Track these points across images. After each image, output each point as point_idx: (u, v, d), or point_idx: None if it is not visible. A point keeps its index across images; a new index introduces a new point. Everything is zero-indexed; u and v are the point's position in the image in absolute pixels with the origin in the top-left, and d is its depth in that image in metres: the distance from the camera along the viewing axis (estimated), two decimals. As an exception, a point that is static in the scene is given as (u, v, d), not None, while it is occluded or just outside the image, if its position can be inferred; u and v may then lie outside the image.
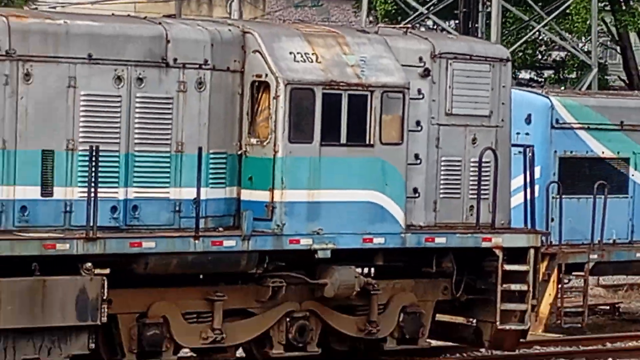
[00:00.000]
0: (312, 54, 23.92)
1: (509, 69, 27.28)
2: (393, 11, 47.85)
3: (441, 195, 25.58)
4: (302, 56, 23.77)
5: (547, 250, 29.66)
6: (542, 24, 47.21)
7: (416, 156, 24.98)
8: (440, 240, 25.18)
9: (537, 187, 30.24)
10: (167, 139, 23.14)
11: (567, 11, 49.34)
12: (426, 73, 25.22)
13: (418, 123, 25.09)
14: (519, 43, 47.23)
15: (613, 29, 58.60)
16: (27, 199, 21.88)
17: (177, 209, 23.44)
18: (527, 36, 48.39)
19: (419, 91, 25.04)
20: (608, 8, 57.51)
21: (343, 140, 23.98)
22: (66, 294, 21.41)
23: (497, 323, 25.56)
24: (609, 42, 62.38)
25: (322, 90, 23.64)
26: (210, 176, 23.20)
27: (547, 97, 32.58)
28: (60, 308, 21.37)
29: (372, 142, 24.15)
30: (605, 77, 55.54)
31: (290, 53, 23.72)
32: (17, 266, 21.29)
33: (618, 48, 60.69)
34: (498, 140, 26.28)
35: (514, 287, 25.57)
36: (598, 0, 51.37)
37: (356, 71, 24.07)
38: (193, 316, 23.52)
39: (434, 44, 26.18)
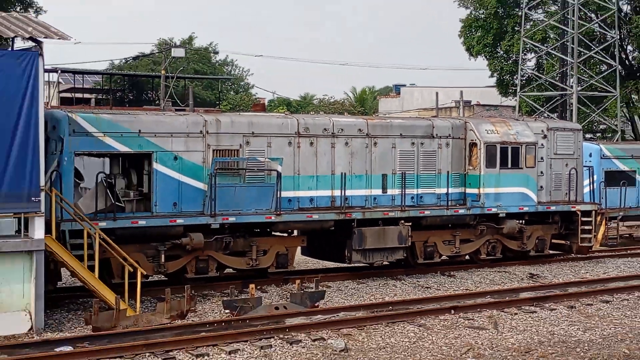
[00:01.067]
0: (495, 130, 24.07)
1: (581, 133, 27.22)
2: (530, 110, 47.04)
3: (553, 189, 25.55)
4: (490, 131, 23.94)
5: (600, 211, 29.27)
6: (595, 114, 45.70)
7: (541, 172, 25.03)
8: (553, 208, 25.37)
9: (595, 185, 29.94)
10: (433, 168, 23.45)
11: (606, 107, 47.73)
12: (545, 137, 25.34)
13: (542, 158, 25.04)
14: (585, 122, 45.81)
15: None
16: (376, 195, 22.42)
17: (438, 197, 23.42)
18: (588, 119, 46.75)
19: (542, 145, 25.07)
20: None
21: (509, 166, 23.93)
22: (394, 234, 21.97)
23: (579, 243, 25.48)
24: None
25: (500, 146, 23.74)
26: (452, 183, 23.37)
27: (599, 145, 32.25)
28: (391, 239, 21.95)
29: (521, 167, 24.19)
30: (624, 136, 52.96)
31: (485, 130, 23.93)
32: (372, 223, 21.99)
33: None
34: (577, 164, 26.16)
35: (585, 227, 25.46)
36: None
37: (514, 137, 24.19)
38: (446, 242, 23.63)
39: (548, 124, 26.35)
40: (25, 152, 15.85)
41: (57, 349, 14.44)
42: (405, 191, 22.54)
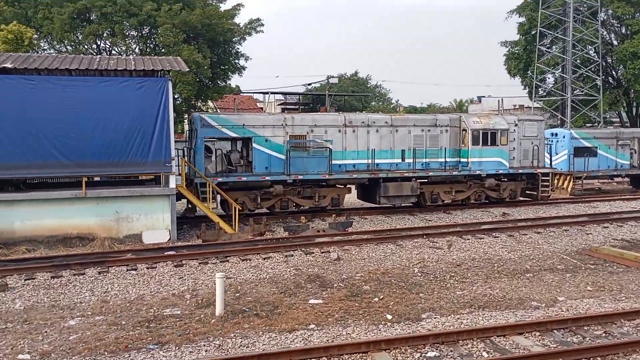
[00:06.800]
0: (479, 121, 21.18)
1: (543, 123, 23.00)
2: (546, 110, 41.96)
3: (522, 158, 21.98)
4: (476, 122, 21.09)
5: (567, 173, 25.82)
6: (584, 110, 40.42)
7: (513, 148, 21.70)
8: (521, 171, 21.99)
9: (567, 156, 26.38)
10: (437, 145, 20.78)
11: (596, 105, 41.70)
12: (516, 125, 21.90)
13: (514, 139, 21.71)
14: (577, 115, 40.66)
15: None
16: (397, 162, 20.40)
17: (441, 164, 20.66)
18: (580, 113, 41.55)
19: (514, 130, 21.77)
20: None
21: (489, 144, 20.92)
22: (408, 186, 20.04)
23: (540, 193, 22.31)
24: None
25: (482, 131, 20.93)
26: (450, 155, 20.86)
27: (570, 130, 28.20)
28: (406, 190, 19.97)
29: (498, 144, 21.11)
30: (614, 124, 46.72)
31: (473, 121, 21.08)
32: (393, 180, 20.19)
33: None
34: (540, 143, 22.35)
35: (544, 183, 22.22)
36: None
37: (492, 125, 21.17)
38: (446, 192, 21.20)
39: (518, 116, 22.77)
40: (161, 137, 15.51)
41: (165, 252, 14.11)
42: (416, 160, 20.53)
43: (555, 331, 8.21)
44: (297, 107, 66.55)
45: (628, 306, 10.05)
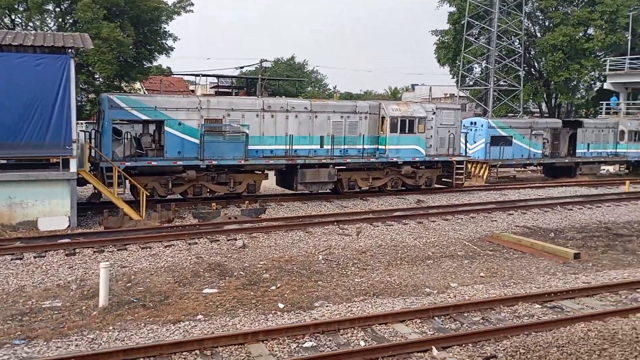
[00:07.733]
0: (398, 109, 21.28)
1: (459, 112, 23.10)
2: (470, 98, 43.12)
3: (439, 146, 22.09)
4: (395, 109, 21.14)
5: (483, 161, 26.51)
6: (505, 100, 41.57)
7: (430, 136, 21.81)
8: (437, 159, 22.17)
9: (484, 145, 27.12)
10: (355, 132, 20.62)
11: (516, 95, 43.15)
12: (434, 113, 21.97)
13: (432, 127, 21.82)
14: (499, 105, 42.09)
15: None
16: (316, 149, 20.21)
17: (359, 151, 20.49)
18: (501, 103, 42.82)
19: (432, 118, 21.84)
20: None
21: (406, 132, 21.02)
22: (325, 172, 19.85)
23: (454, 181, 22.73)
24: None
25: (400, 118, 20.99)
26: (368, 142, 20.83)
27: (487, 120, 28.78)
28: (323, 176, 19.86)
29: (415, 132, 21.26)
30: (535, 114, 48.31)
31: (391, 108, 21.10)
32: (311, 166, 20.05)
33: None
34: (456, 132, 22.50)
35: (458, 171, 22.62)
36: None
37: (411, 113, 21.33)
38: (364, 179, 21.24)
39: (436, 105, 23.02)
40: (61, 118, 14.62)
41: (58, 240, 13.41)
42: (334, 146, 20.43)
43: (436, 318, 8.33)
44: (230, 90, 65.19)
45: (514, 292, 10.39)
